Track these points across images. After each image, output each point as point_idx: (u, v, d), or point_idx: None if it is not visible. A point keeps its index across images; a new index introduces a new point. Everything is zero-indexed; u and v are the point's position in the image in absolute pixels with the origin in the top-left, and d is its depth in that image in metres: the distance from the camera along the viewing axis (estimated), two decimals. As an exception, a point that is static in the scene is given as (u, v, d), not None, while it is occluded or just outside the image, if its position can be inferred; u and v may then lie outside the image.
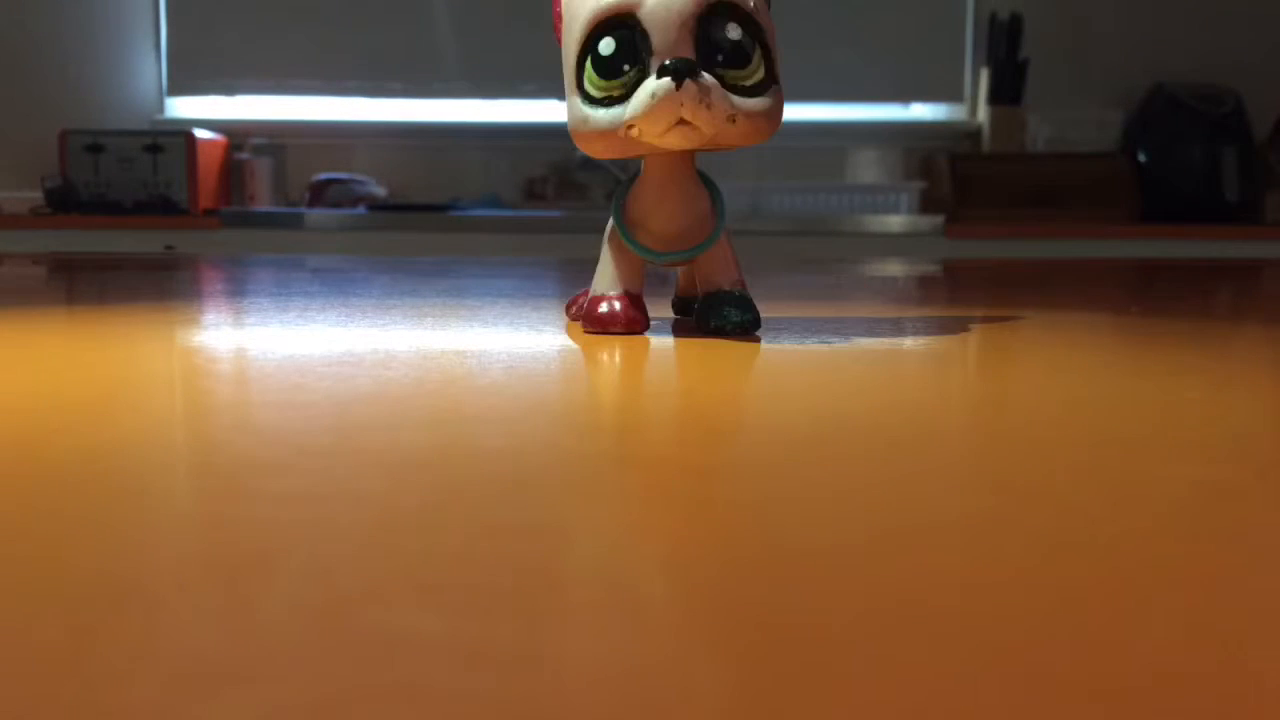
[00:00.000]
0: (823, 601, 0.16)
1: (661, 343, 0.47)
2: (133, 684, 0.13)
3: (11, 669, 0.13)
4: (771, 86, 0.45)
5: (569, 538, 0.20)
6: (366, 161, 2.39)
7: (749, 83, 0.45)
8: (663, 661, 0.14)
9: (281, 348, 0.45)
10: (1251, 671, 0.14)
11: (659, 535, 0.20)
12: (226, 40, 2.38)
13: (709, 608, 0.16)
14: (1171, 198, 2.14)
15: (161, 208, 2.08)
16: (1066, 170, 2.16)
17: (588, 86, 0.45)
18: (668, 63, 0.43)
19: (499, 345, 0.46)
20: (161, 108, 2.40)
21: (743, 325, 0.48)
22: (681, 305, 0.56)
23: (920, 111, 2.44)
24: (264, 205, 2.23)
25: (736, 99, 0.44)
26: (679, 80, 0.42)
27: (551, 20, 0.48)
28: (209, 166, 2.15)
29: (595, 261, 0.50)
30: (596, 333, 0.48)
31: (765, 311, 0.50)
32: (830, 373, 0.39)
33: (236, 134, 2.27)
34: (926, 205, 2.18)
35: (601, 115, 0.45)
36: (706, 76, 0.43)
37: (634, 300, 0.49)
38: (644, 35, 0.44)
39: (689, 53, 0.44)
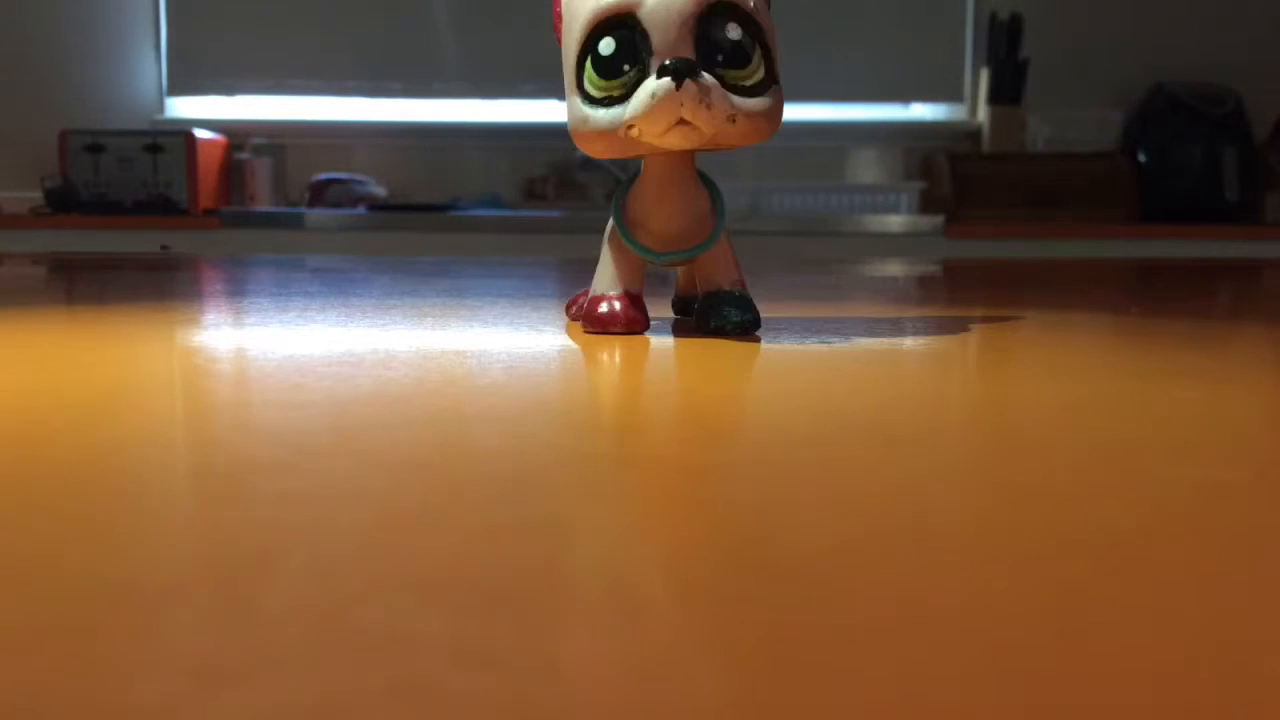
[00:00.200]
0: (822, 601, 0.16)
1: (661, 343, 0.47)
2: (133, 684, 0.13)
3: (11, 669, 0.13)
4: (771, 86, 0.45)
5: (569, 537, 0.20)
6: (366, 161, 2.39)
7: (749, 83, 0.45)
8: (663, 661, 0.14)
9: (281, 348, 0.45)
10: (1252, 671, 0.14)
11: (659, 535, 0.20)
12: (226, 40, 2.38)
13: (709, 607, 0.16)
14: (1171, 198, 2.14)
15: (162, 208, 2.08)
16: (1066, 170, 2.16)
17: (588, 86, 0.45)
18: (668, 63, 0.43)
19: (499, 345, 0.46)
20: (161, 108, 2.40)
21: (743, 325, 0.48)
22: (681, 305, 0.56)
23: (920, 111, 2.44)
24: (264, 205, 2.23)
25: (736, 99, 0.44)
26: (679, 80, 0.42)
27: (551, 20, 0.48)
28: (209, 166, 2.15)
29: (595, 261, 0.50)
30: (596, 333, 0.48)
31: (765, 311, 0.50)
32: (830, 372, 0.39)
33: (236, 134, 2.27)
34: (926, 205, 2.18)
35: (601, 115, 0.45)
36: (706, 76, 0.43)
37: (634, 300, 0.49)
38: (644, 35, 0.44)
39: (689, 53, 0.44)
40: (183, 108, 2.40)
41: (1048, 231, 2.02)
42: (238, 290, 0.82)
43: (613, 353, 0.44)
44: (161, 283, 0.91)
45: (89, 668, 0.13)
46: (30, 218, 2.07)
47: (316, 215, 2.13)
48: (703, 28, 0.44)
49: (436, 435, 0.28)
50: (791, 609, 0.16)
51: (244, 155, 2.24)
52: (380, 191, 2.30)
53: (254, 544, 0.18)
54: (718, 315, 0.49)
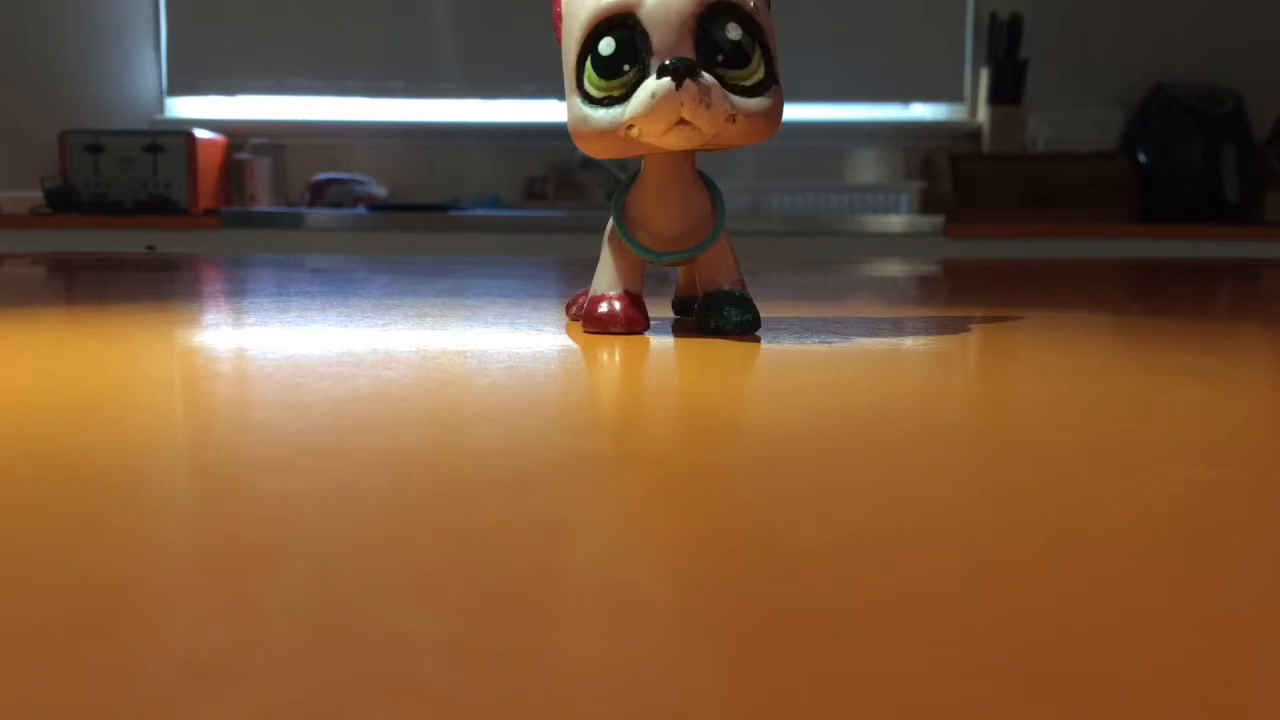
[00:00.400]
0: (822, 600, 0.16)
1: (661, 343, 0.47)
2: (133, 683, 0.13)
3: (11, 669, 0.13)
4: (771, 86, 0.45)
5: (569, 537, 0.20)
6: (366, 161, 2.39)
7: (749, 83, 0.45)
8: (662, 661, 0.14)
9: (281, 348, 0.45)
10: (1252, 671, 0.14)
11: (659, 534, 0.20)
12: (226, 40, 2.38)
13: (709, 607, 0.16)
14: (1171, 198, 2.14)
15: (162, 208, 2.08)
16: (1066, 170, 2.17)
17: (588, 86, 0.45)
18: (668, 63, 0.43)
19: (499, 345, 0.46)
20: (161, 108, 2.40)
21: (743, 325, 0.48)
22: (681, 305, 0.56)
23: (920, 111, 2.44)
24: (264, 205, 2.23)
25: (736, 99, 0.44)
26: (679, 80, 0.42)
27: (551, 20, 0.48)
28: (209, 166, 2.14)
29: (595, 261, 0.50)
30: (596, 333, 0.48)
31: (765, 311, 0.50)
32: (830, 372, 0.39)
33: (236, 134, 2.27)
34: (926, 205, 2.18)
35: (601, 115, 0.45)
36: (706, 76, 0.43)
37: (634, 300, 0.49)
38: (644, 35, 0.44)
39: (689, 53, 0.44)
40: (182, 108, 2.40)
41: (1048, 231, 2.02)
42: (238, 290, 0.82)
43: (613, 353, 0.44)
44: (162, 283, 0.91)
45: (89, 668, 0.13)
46: (30, 218, 2.07)
47: (316, 215, 2.13)
48: (703, 28, 0.44)
49: (436, 435, 0.28)
50: (791, 608, 0.16)
51: (244, 155, 2.24)
52: (380, 191, 2.30)
53: (254, 544, 0.18)
54: (718, 315, 0.49)
